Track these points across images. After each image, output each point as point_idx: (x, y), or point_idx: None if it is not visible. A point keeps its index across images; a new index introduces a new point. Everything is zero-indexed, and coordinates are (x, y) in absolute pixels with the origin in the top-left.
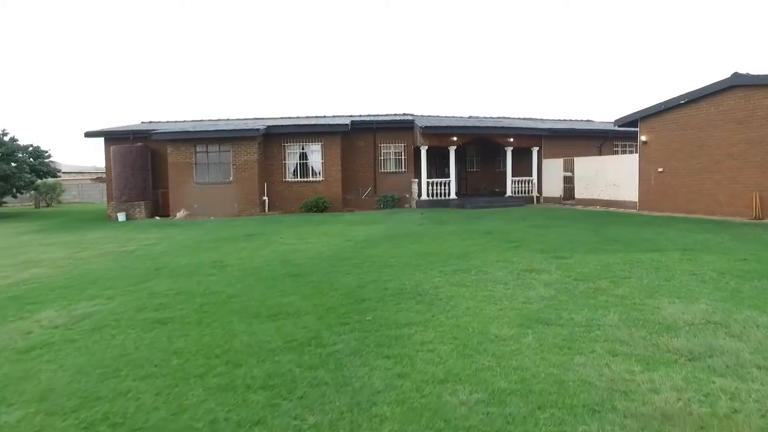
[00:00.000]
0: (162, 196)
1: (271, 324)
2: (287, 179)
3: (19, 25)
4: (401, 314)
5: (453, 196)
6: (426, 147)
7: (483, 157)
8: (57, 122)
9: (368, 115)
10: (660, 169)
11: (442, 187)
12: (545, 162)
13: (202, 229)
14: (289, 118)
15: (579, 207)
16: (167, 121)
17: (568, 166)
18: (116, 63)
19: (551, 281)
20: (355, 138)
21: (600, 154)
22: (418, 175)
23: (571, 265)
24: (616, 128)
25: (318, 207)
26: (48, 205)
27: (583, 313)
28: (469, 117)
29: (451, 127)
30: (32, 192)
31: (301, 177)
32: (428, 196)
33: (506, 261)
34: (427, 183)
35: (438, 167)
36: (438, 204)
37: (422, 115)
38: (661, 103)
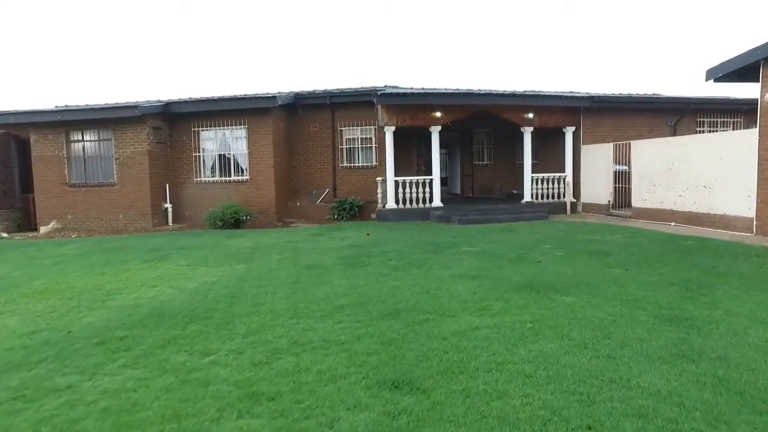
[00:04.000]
0: (33, 203)
1: None
2: (202, 178)
3: None
4: None
5: (436, 202)
6: (393, 128)
7: (498, 145)
8: None
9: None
10: None
11: (419, 190)
12: (585, 150)
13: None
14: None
15: (640, 223)
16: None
17: (622, 156)
18: None
19: None
20: (305, 120)
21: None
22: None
23: None
24: (704, 96)
25: (226, 221)
26: None
27: None
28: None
29: (429, 95)
30: None
31: (222, 175)
32: (397, 203)
33: None
34: (395, 183)
35: (426, 159)
36: (411, 215)
37: (391, 86)
38: None
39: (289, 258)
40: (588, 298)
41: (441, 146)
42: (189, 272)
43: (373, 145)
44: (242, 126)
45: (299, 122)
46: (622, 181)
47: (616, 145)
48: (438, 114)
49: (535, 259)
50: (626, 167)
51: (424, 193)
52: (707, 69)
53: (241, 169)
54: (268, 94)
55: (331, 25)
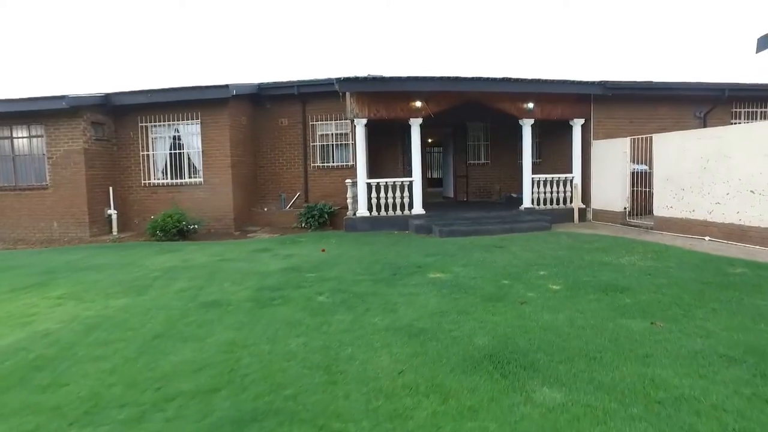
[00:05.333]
0: None
1: None
2: (152, 181)
3: None
4: None
5: (417, 209)
6: (364, 120)
7: (497, 141)
8: None
9: (293, 81)
10: None
11: (396, 195)
12: (596, 146)
13: None
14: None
15: (665, 237)
16: None
17: (641, 153)
18: None
19: None
20: (273, 113)
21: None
22: (372, 171)
23: None
24: (742, 82)
25: (168, 231)
26: None
27: None
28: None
29: (405, 80)
30: None
31: (175, 177)
32: (370, 210)
33: None
34: (367, 187)
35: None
36: (387, 224)
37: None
38: None
39: (194, 288)
40: (588, 394)
41: (435, 144)
42: (44, 311)
43: (350, 141)
44: (195, 121)
45: (266, 116)
46: (641, 183)
47: (634, 140)
48: (418, 104)
49: (519, 298)
50: (646, 167)
51: (402, 197)
52: (758, 37)
53: (196, 170)
54: (221, 83)
55: (315, 15)
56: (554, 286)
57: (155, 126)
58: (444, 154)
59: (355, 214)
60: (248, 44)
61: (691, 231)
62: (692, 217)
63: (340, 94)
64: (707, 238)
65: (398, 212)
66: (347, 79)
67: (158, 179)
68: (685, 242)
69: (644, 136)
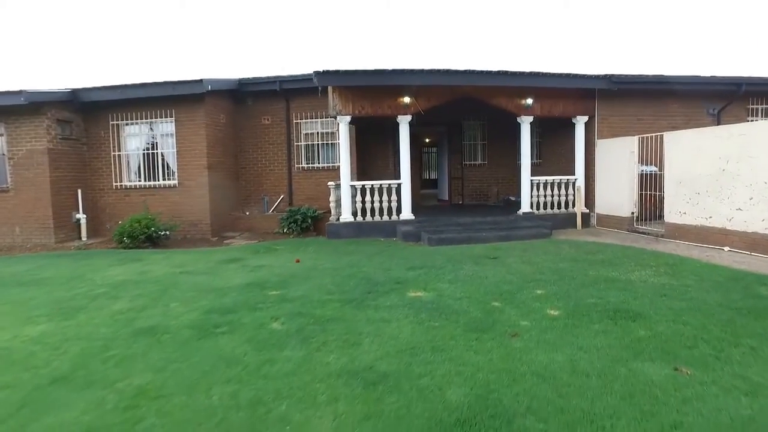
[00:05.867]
0: None
1: None
2: (125, 183)
3: None
4: None
5: (405, 214)
6: (348, 117)
7: (495, 140)
8: None
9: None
10: None
11: (383, 198)
12: (601, 146)
13: None
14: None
15: (679, 246)
16: None
17: (651, 153)
18: None
19: None
20: (255, 111)
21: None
22: (357, 173)
23: None
24: (758, 76)
25: (135, 238)
26: None
27: None
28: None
29: (392, 73)
30: None
31: (149, 179)
32: (354, 215)
33: None
34: (352, 190)
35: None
36: (373, 230)
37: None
38: None
39: (135, 310)
40: None
41: (432, 144)
42: None
43: (338, 141)
44: (170, 119)
45: (248, 114)
46: (650, 186)
47: (643, 138)
48: (406, 99)
49: (509, 328)
50: (655, 168)
51: (389, 201)
52: None
53: (172, 171)
54: (195, 78)
55: (306, 11)
56: (553, 311)
57: (128, 124)
58: (438, 154)
59: (338, 219)
60: (233, 40)
61: (708, 240)
62: (709, 225)
63: (319, 89)
64: (726, 248)
65: (385, 217)
66: (326, 73)
67: (131, 181)
68: (702, 253)
69: (654, 134)
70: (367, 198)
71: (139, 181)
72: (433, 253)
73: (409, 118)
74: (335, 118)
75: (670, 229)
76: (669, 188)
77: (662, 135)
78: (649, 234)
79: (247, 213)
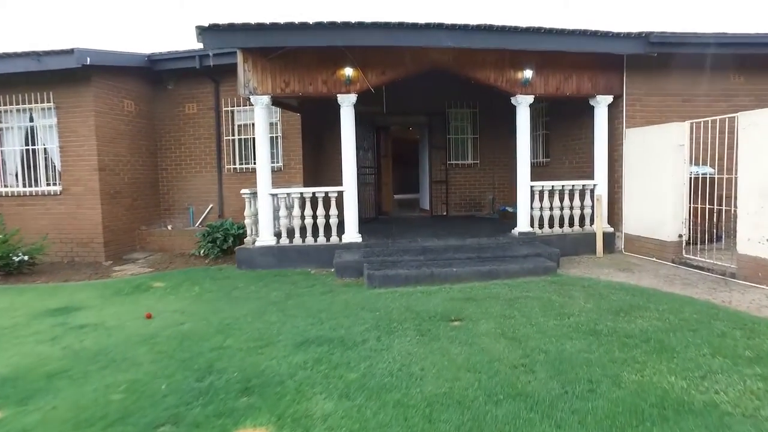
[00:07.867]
0: None
1: None
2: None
3: None
4: None
5: (349, 234)
6: (266, 98)
7: (488, 133)
8: None
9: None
10: None
11: (319, 212)
12: (633, 137)
13: None
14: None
15: (766, 295)
16: None
17: (708, 147)
18: None
19: None
20: (176, 96)
21: None
22: (306, 178)
23: None
24: None
25: None
26: None
27: None
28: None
29: (317, 27)
30: None
31: (27, 184)
32: (277, 236)
33: None
34: (272, 200)
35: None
36: (303, 258)
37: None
38: None
39: None
40: None
41: (412, 139)
42: None
43: (279, 134)
44: (49, 103)
45: (168, 101)
46: (705, 196)
47: (696, 125)
48: (348, 71)
49: None
50: (712, 170)
51: (327, 217)
52: None
53: (59, 173)
54: (64, 48)
55: None
56: None
57: (1, 112)
58: (419, 152)
59: (254, 242)
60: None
61: None
62: None
63: (211, 58)
64: None
65: (321, 239)
66: (220, 29)
67: (7, 186)
68: None
69: (715, 117)
70: (296, 212)
71: (17, 186)
72: (366, 303)
73: (353, 98)
74: (248, 99)
75: (746, 264)
76: (746, 201)
77: (737, 116)
78: (710, 270)
79: (170, 227)
